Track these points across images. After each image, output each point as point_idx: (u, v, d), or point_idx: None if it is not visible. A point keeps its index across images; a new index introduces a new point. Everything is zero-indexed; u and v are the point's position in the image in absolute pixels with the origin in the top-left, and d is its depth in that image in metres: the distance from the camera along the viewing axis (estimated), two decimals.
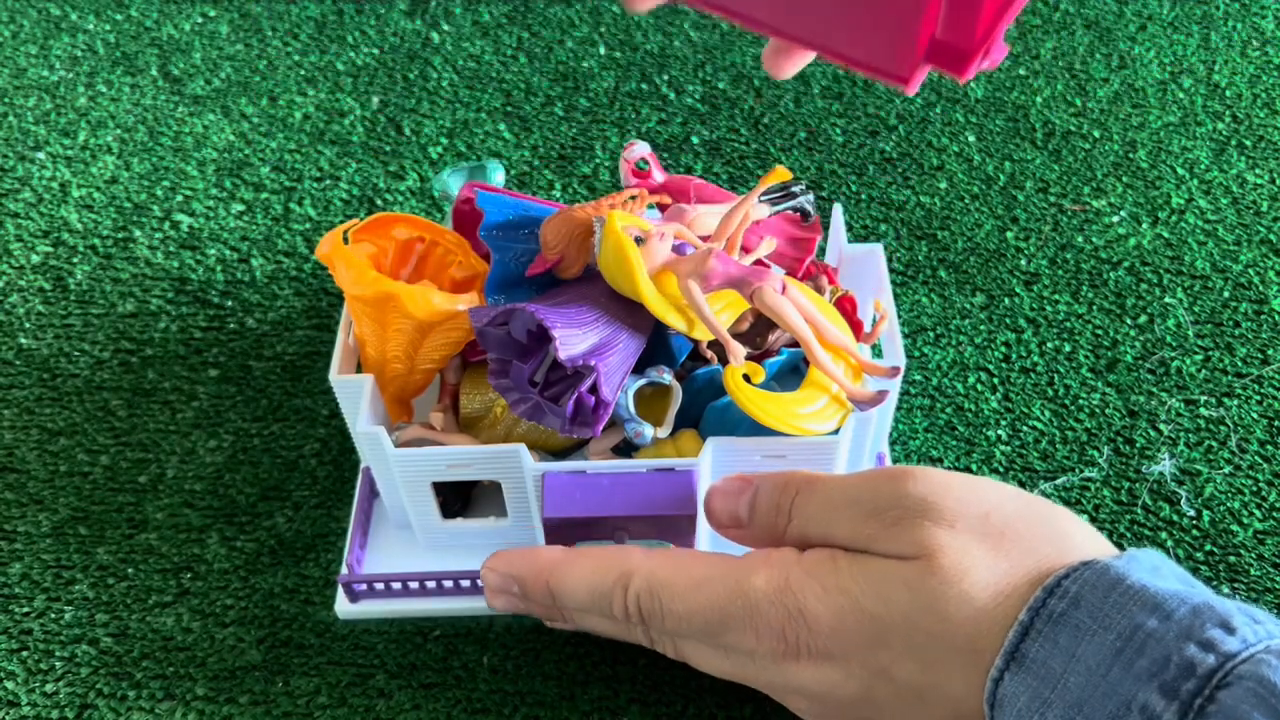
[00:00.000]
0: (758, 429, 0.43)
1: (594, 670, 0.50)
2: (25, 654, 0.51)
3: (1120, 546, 0.54)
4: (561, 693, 0.50)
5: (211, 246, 0.70)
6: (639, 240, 0.44)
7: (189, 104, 0.80)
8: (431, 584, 0.50)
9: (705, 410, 0.48)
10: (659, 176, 0.54)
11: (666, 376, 0.46)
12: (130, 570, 0.54)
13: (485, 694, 0.50)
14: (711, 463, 0.45)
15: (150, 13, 0.88)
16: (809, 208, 0.51)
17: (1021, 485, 0.56)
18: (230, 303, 0.66)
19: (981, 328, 0.64)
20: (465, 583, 0.50)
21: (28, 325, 0.65)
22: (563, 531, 0.45)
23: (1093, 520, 0.55)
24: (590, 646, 0.51)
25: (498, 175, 0.59)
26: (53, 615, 0.53)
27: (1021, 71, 0.82)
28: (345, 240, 0.48)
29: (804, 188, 0.51)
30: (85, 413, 0.61)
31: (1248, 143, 0.76)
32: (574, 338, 0.43)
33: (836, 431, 0.44)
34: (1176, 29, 0.85)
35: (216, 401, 0.61)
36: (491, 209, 0.48)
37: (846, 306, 0.50)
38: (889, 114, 0.78)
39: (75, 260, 0.69)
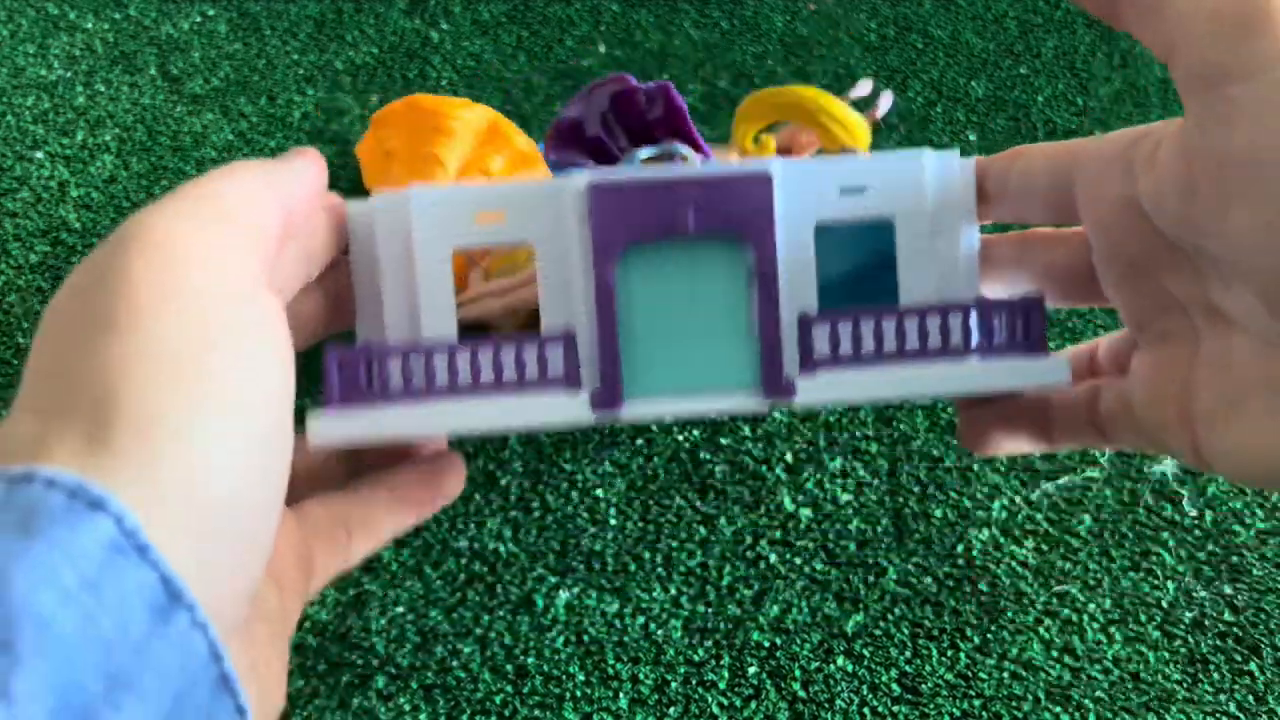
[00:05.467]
0: None
1: (594, 670, 0.50)
2: None
3: (1122, 547, 0.54)
4: (561, 693, 0.49)
5: None
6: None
7: (188, 103, 0.80)
8: (442, 375, 0.37)
9: None
10: None
11: (680, 147, 0.45)
12: None
13: (485, 694, 0.49)
14: (782, 172, 0.41)
15: (149, 12, 0.88)
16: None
17: (1023, 485, 0.56)
18: None
19: None
20: (486, 375, 0.38)
21: (26, 325, 0.65)
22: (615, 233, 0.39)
23: (1094, 520, 0.55)
24: (590, 647, 0.51)
25: None
26: None
27: (1023, 70, 0.82)
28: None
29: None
30: None
31: None
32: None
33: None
34: None
35: None
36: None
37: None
38: (889, 114, 0.78)
39: (74, 260, 0.69)
